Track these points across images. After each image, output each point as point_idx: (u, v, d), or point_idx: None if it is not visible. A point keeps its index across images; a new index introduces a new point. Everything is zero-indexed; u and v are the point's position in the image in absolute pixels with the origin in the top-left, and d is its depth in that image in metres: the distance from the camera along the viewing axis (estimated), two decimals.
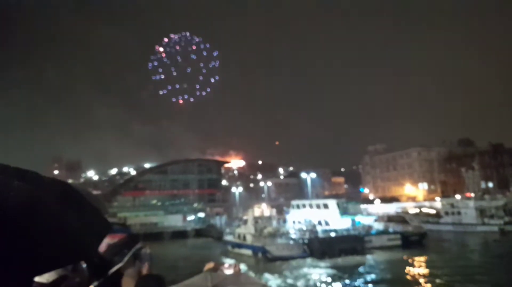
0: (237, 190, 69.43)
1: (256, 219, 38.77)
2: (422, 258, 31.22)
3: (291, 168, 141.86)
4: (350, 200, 53.08)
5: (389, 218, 55.60)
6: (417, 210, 62.00)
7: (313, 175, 59.38)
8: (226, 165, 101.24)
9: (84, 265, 1.82)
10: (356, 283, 24.08)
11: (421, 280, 23.76)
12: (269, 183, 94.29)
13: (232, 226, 50.35)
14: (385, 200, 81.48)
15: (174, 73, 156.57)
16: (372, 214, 48.96)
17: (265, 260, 32.70)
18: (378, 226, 39.82)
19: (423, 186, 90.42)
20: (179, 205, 74.22)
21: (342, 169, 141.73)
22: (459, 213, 50.89)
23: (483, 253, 34.17)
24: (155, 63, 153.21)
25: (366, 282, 24.32)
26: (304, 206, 45.74)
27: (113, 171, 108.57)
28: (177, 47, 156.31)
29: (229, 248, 40.21)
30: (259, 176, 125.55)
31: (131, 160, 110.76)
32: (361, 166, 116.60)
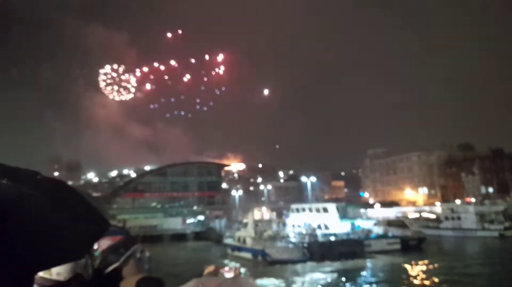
0: (237, 193, 69.46)
1: (256, 222, 38.89)
2: (421, 263, 31.26)
3: (291, 172, 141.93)
4: (350, 204, 53.20)
5: (389, 223, 55.75)
6: (417, 215, 62.06)
7: (313, 178, 59.50)
8: (226, 168, 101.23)
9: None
10: None
11: (420, 285, 23.84)
12: (269, 186, 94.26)
13: (231, 229, 50.42)
14: (385, 204, 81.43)
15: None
16: (372, 218, 49.06)
17: (265, 263, 32.81)
18: (378, 230, 39.87)
19: (423, 190, 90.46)
20: (178, 207, 74.23)
21: (342, 173, 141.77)
22: (459, 218, 50.94)
23: (483, 258, 34.19)
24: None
25: (365, 286, 24.40)
26: (303, 209, 45.83)
27: (113, 173, 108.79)
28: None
29: (229, 251, 40.27)
30: (259, 179, 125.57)
31: (131, 162, 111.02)
32: (361, 170, 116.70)
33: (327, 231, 38.00)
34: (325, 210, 42.08)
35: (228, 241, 41.98)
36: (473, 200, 53.75)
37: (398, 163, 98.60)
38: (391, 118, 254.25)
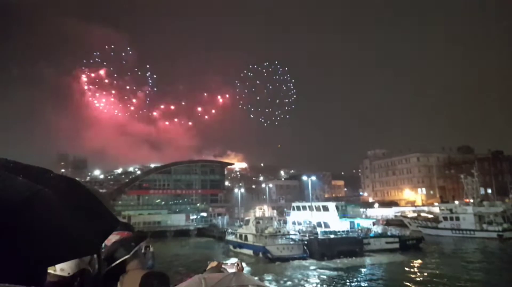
0: (239, 191, 70.26)
1: (257, 220, 39.34)
2: (419, 262, 31.67)
3: (292, 171, 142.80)
4: (350, 203, 53.79)
5: (388, 222, 56.38)
6: (416, 215, 62.53)
7: (313, 178, 60.19)
8: (229, 167, 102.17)
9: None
10: (354, 285, 24.50)
11: (417, 283, 24.36)
12: (271, 185, 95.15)
13: (233, 226, 51.16)
14: (384, 204, 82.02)
15: None
16: (371, 217, 49.61)
17: (266, 260, 33.34)
18: (377, 229, 40.45)
19: (422, 191, 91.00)
20: (182, 204, 75.21)
21: (342, 173, 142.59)
22: (457, 218, 51.17)
23: (481, 259, 34.32)
24: None
25: (364, 284, 24.80)
26: (304, 208, 46.43)
27: (119, 170, 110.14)
28: None
29: (231, 247, 40.96)
30: (261, 178, 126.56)
31: (135, 160, 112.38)
32: (360, 170, 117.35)
33: (327, 229, 38.56)
34: (325, 208, 42.63)
35: (230, 238, 42.59)
36: (471, 201, 54.13)
37: (397, 164, 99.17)
38: (391, 120, 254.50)
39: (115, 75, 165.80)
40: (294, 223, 45.49)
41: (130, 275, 2.46)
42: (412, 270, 28.61)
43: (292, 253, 33.76)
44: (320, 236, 36.22)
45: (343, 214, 41.29)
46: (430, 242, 43.31)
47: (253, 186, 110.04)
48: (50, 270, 1.58)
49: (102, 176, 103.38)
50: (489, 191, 69.82)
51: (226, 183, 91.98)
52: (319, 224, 40.51)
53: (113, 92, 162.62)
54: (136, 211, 68.08)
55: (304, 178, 62.93)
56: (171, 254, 36.98)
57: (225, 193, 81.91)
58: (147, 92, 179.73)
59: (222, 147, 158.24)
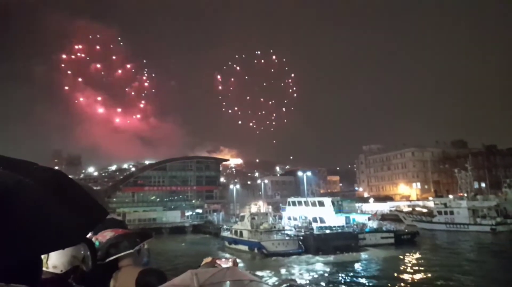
0: (234, 187, 70.24)
1: (252, 216, 39.32)
2: (414, 256, 31.96)
3: (287, 167, 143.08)
4: (345, 198, 53.92)
5: (383, 216, 56.64)
6: (411, 209, 62.94)
7: (309, 173, 60.27)
8: (224, 163, 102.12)
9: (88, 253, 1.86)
10: (350, 279, 24.57)
11: (412, 276, 24.56)
12: (266, 181, 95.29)
13: (229, 222, 51.14)
14: (379, 198, 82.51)
15: None
16: (367, 212, 49.83)
17: (261, 255, 33.40)
18: (373, 224, 40.64)
19: (417, 185, 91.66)
20: (177, 201, 75.10)
21: (338, 168, 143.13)
22: (451, 212, 51.57)
23: (475, 252, 34.76)
24: None
25: (359, 278, 24.91)
26: (300, 203, 46.44)
27: (113, 167, 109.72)
28: None
29: (226, 243, 40.95)
30: (256, 174, 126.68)
31: (129, 157, 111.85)
32: (356, 166, 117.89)
33: (322, 225, 38.61)
34: (321, 204, 42.67)
35: (225, 234, 42.57)
36: (465, 195, 54.56)
37: (392, 159, 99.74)
38: (385, 115, 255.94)
39: (105, 70, 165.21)
40: (289, 218, 45.52)
41: (124, 271, 2.43)
42: (407, 264, 28.83)
43: (287, 249, 33.82)
44: (315, 231, 36.29)
45: (338, 210, 41.37)
46: (425, 236, 43.69)
47: (249, 182, 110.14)
48: (43, 267, 1.53)
49: (96, 173, 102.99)
50: (483, 185, 70.37)
51: (222, 179, 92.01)
52: (314, 220, 40.57)
53: (102, 88, 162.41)
54: (131, 208, 67.83)
55: (300, 173, 63.03)
56: (166, 250, 36.91)
57: (221, 190, 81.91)
58: (142, 86, 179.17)
59: (215, 143, 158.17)
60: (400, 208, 66.49)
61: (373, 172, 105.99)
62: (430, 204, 62.54)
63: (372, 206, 66.54)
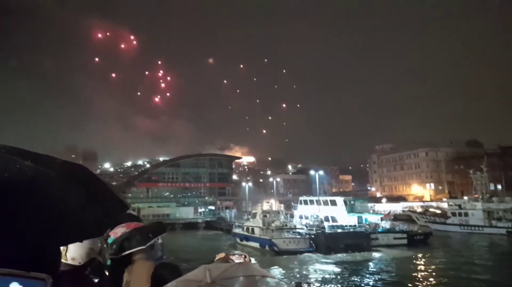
0: (246, 184, 70.63)
1: (264, 213, 39.60)
2: (427, 257, 31.73)
3: (299, 165, 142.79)
4: (357, 198, 53.61)
5: (396, 217, 56.17)
6: (424, 210, 62.23)
7: (321, 172, 60.19)
8: (237, 161, 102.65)
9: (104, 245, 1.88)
10: (361, 279, 24.55)
11: (425, 277, 24.43)
12: (278, 179, 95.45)
13: (241, 219, 51.55)
14: (392, 199, 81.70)
15: None
16: (379, 212, 49.50)
17: (272, 253, 33.61)
18: (385, 224, 40.43)
19: (430, 186, 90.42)
20: (190, 197, 76.01)
21: (350, 167, 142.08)
22: (466, 214, 50.70)
23: (489, 255, 34.13)
24: None
25: (371, 278, 24.83)
26: (312, 202, 46.47)
27: (128, 163, 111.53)
28: None
29: (238, 240, 41.29)
30: (269, 172, 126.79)
31: (143, 153, 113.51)
32: (368, 165, 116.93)
33: (334, 224, 38.68)
34: (333, 203, 42.63)
35: (237, 230, 42.87)
36: (480, 196, 53.65)
37: (405, 159, 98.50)
38: (399, 114, 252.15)
39: (118, 67, 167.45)
40: (301, 217, 45.65)
41: (137, 265, 2.47)
42: (419, 265, 28.69)
43: (298, 247, 33.95)
44: (327, 230, 36.33)
45: (351, 209, 41.28)
46: (438, 237, 43.14)
47: (261, 180, 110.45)
48: (62, 259, 1.57)
49: (112, 169, 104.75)
50: (499, 186, 69.10)
51: (234, 176, 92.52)
52: (326, 219, 40.59)
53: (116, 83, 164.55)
54: (145, 203, 68.93)
55: (312, 172, 62.94)
56: (179, 245, 37.48)
57: (233, 187, 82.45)
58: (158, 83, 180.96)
59: (224, 140, 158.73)
60: (413, 208, 65.79)
61: (386, 172, 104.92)
62: (444, 205, 61.72)
63: (385, 206, 66.01)
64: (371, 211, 46.87)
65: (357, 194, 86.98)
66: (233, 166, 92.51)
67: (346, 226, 37.58)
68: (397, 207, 70.75)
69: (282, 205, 51.42)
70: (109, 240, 2.35)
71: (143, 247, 2.48)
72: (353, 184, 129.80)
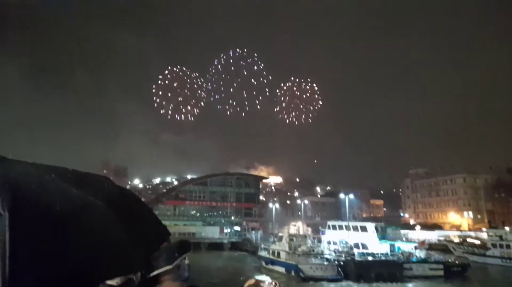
0: (273, 206, 69.75)
1: (291, 237, 39.05)
2: None
3: (328, 187, 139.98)
4: (389, 224, 51.62)
5: (431, 246, 53.35)
6: (461, 240, 59.04)
7: (351, 196, 58.55)
8: (264, 181, 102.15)
9: None
10: None
11: None
12: (306, 201, 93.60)
13: (267, 241, 50.70)
14: (427, 226, 78.07)
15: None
16: (413, 240, 47.27)
17: (298, 279, 32.71)
18: (420, 253, 38.43)
19: (469, 214, 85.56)
20: (217, 217, 75.94)
21: (381, 192, 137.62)
22: (508, 246, 48.01)
23: None
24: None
25: None
26: (340, 227, 45.15)
27: (157, 180, 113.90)
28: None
29: (263, 263, 40.50)
30: (296, 193, 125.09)
31: (170, 170, 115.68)
32: (401, 190, 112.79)
33: (364, 251, 37.29)
34: (364, 229, 41.23)
35: (262, 253, 42.16)
36: None
37: (441, 184, 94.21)
38: (434, 137, 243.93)
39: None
40: (329, 242, 44.22)
41: (166, 286, 2.41)
42: None
43: (325, 274, 32.95)
44: (357, 258, 34.97)
45: (382, 236, 39.74)
46: (477, 270, 40.59)
47: (288, 202, 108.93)
48: None
49: (141, 185, 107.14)
50: None
51: (261, 197, 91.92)
52: (356, 245, 39.10)
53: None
54: (171, 221, 69.44)
55: (341, 195, 61.49)
56: (205, 266, 37.19)
57: (260, 207, 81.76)
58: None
59: (249, 159, 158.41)
60: (450, 238, 62.68)
61: (420, 197, 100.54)
62: (484, 235, 58.48)
63: (419, 234, 63.44)
64: (404, 239, 44.95)
65: (389, 220, 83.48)
66: (260, 186, 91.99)
67: (378, 254, 36.11)
68: (432, 236, 67.52)
69: (309, 229, 50.26)
70: None
71: (170, 267, 2.36)
72: (384, 209, 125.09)
